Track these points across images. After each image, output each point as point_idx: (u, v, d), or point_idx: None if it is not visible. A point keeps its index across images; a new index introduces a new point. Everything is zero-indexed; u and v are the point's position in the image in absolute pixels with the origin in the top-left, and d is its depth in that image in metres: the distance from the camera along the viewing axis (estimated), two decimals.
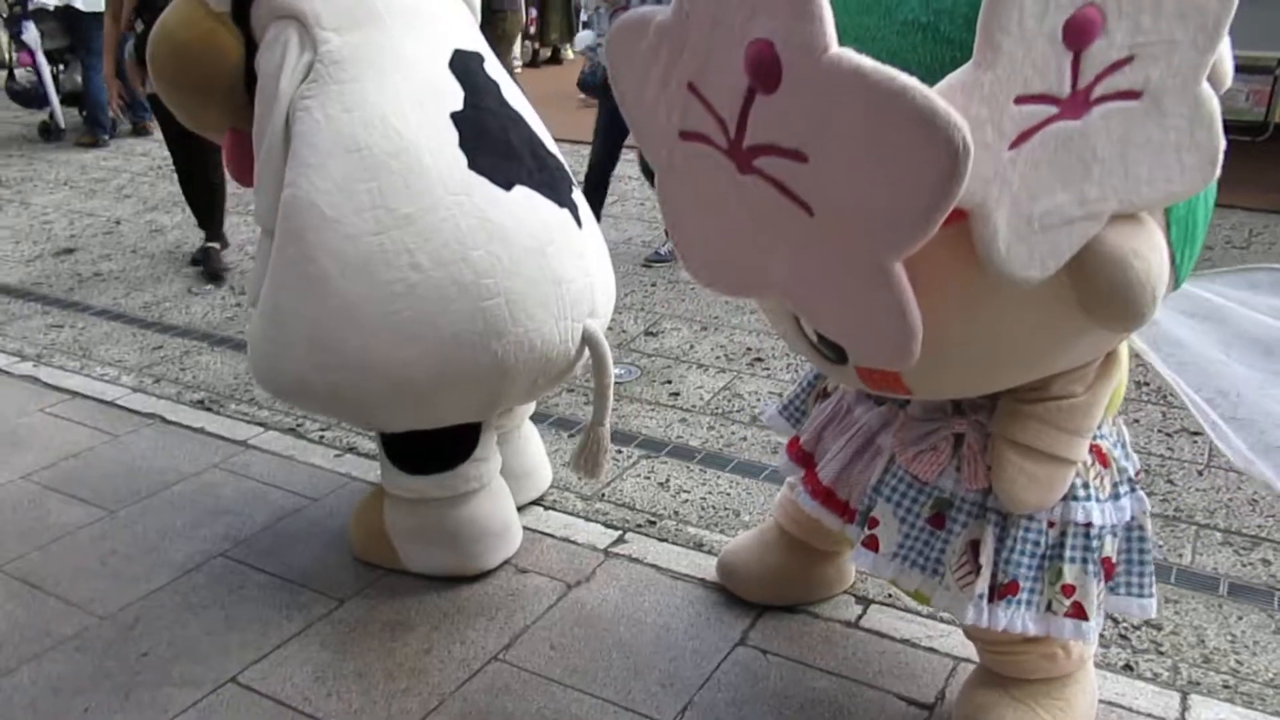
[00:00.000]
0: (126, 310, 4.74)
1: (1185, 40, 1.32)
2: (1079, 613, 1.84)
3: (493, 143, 2.35)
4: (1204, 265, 1.94)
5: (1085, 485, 1.82)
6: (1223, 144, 1.40)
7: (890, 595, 2.53)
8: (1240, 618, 2.47)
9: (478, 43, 2.55)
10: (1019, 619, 1.83)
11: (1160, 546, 2.76)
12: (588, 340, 2.46)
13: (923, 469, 1.87)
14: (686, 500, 3.06)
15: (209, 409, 3.70)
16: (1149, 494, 2.98)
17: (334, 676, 2.32)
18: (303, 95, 2.30)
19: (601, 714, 2.19)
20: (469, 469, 2.55)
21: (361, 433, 3.44)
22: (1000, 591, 1.83)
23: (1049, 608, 1.84)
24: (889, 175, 1.25)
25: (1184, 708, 2.17)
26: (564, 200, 2.45)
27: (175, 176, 5.26)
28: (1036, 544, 1.82)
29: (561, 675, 2.31)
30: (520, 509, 2.84)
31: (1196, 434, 3.32)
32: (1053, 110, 1.30)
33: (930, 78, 1.21)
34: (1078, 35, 1.26)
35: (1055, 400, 1.75)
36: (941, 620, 2.45)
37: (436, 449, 2.51)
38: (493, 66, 2.52)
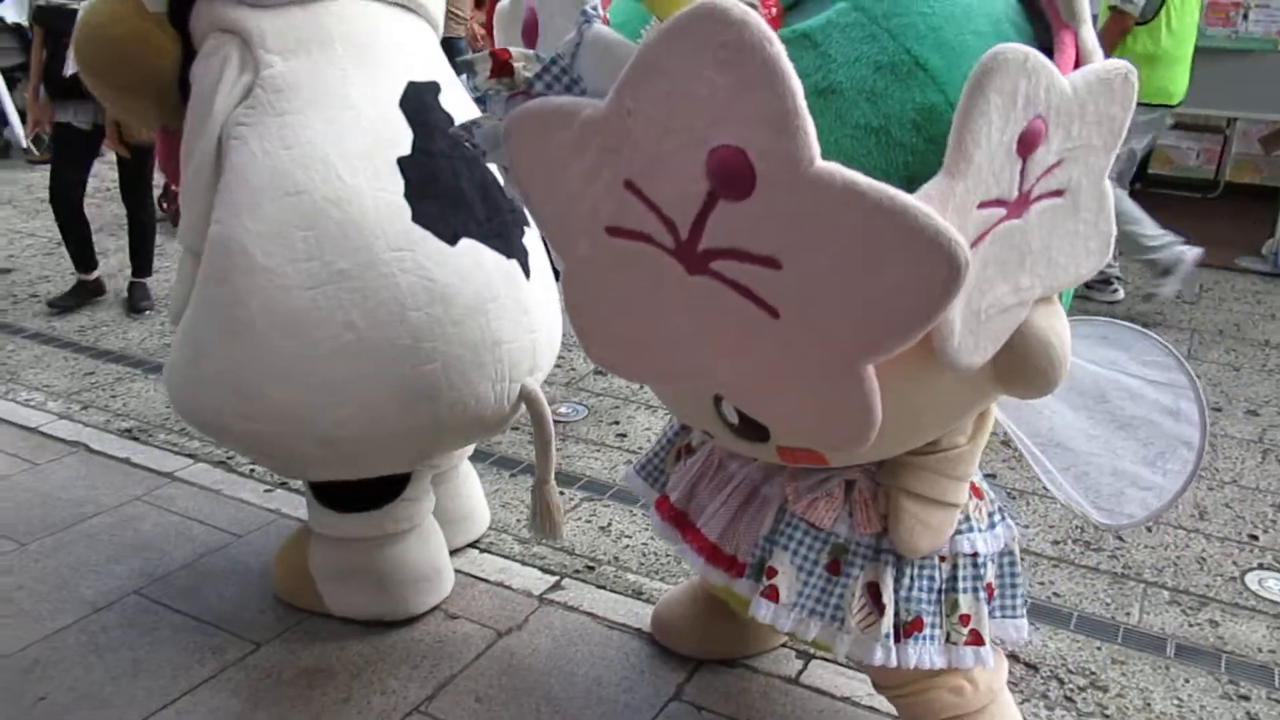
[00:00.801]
0: (61, 334, 4.59)
1: (1099, 144, 1.45)
2: (976, 639, 1.89)
3: (441, 190, 2.21)
4: (1154, 318, 1.99)
5: (967, 518, 1.90)
6: (1115, 230, 1.57)
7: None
8: (1187, 680, 2.41)
9: (436, 68, 2.38)
10: (927, 654, 1.86)
11: (1109, 604, 2.71)
12: (526, 399, 2.35)
13: (819, 516, 1.88)
14: (628, 545, 2.96)
15: (136, 439, 3.55)
16: (1098, 550, 2.95)
17: None
18: (239, 121, 2.13)
19: None
20: (399, 509, 2.44)
21: None
22: (906, 630, 1.86)
23: (949, 639, 1.88)
24: (878, 286, 1.26)
25: None
26: (513, 249, 2.32)
27: (120, 198, 5.11)
28: (932, 579, 1.88)
29: None
30: (455, 552, 2.74)
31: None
32: (1002, 212, 1.36)
33: (887, 181, 1.22)
34: (1027, 144, 1.34)
35: (944, 452, 1.83)
36: None
37: (365, 488, 2.40)
38: (450, 96, 2.35)
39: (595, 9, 1.44)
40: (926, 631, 1.86)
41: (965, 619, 1.88)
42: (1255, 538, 3.04)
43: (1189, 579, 2.83)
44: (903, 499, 1.84)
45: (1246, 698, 2.36)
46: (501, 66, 1.49)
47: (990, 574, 1.93)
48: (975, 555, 1.90)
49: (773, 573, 1.90)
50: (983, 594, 1.91)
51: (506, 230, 2.32)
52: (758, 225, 1.28)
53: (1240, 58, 5.68)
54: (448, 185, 2.22)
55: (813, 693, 2.33)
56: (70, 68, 4.20)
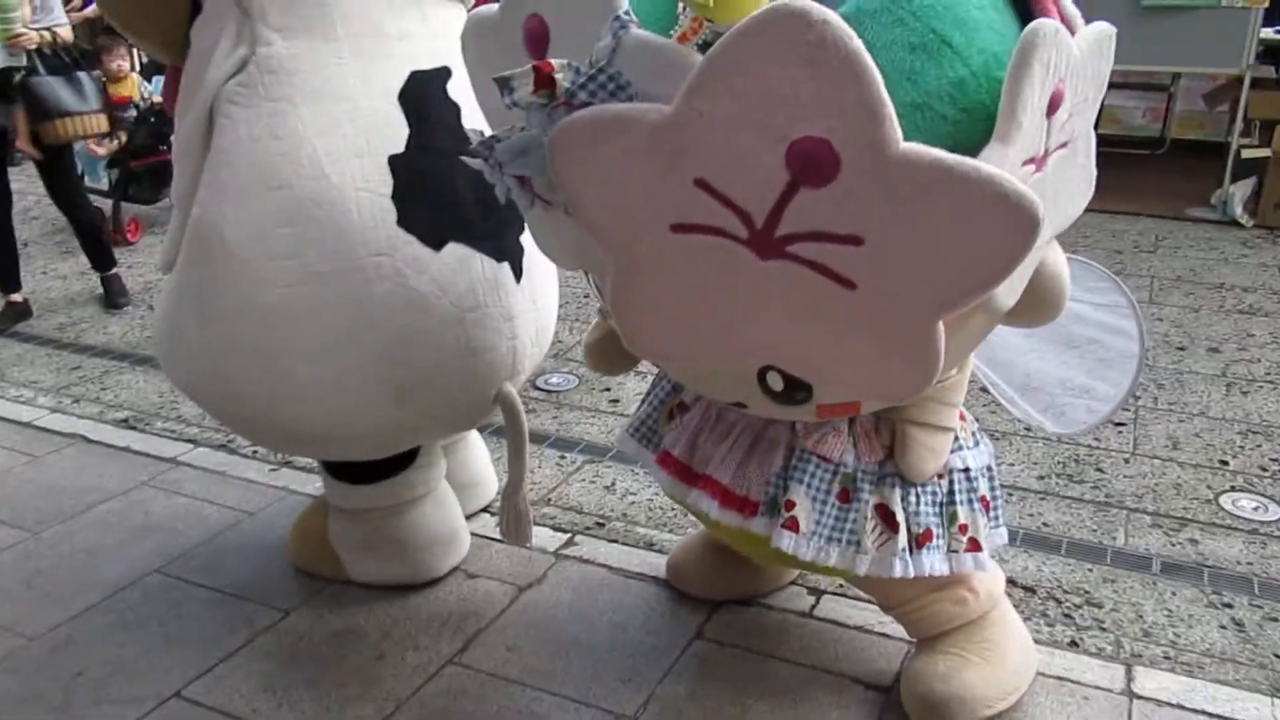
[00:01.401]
0: (40, 332, 4.56)
1: (1092, 97, 1.65)
2: (975, 547, 2.05)
3: (433, 190, 2.18)
4: (1115, 267, 2.19)
5: (957, 437, 2.07)
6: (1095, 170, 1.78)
7: (841, 585, 2.56)
8: (1174, 594, 2.56)
9: (449, 53, 2.23)
10: (937, 563, 2.02)
11: (1095, 530, 2.85)
12: (502, 404, 2.36)
13: (829, 449, 2.01)
14: (633, 502, 3.05)
15: (134, 427, 3.57)
16: (1081, 482, 3.10)
17: (283, 687, 2.25)
18: (231, 98, 2.12)
19: (563, 712, 2.17)
20: (413, 475, 2.50)
21: None
22: (919, 541, 2.01)
23: (950, 548, 2.04)
24: (961, 249, 1.38)
25: (1129, 678, 2.24)
26: (505, 250, 2.30)
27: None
28: (935, 494, 2.04)
29: (520, 676, 2.28)
30: (467, 518, 2.81)
31: (1120, 425, 3.44)
32: (1033, 168, 1.52)
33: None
34: (1053, 106, 1.49)
35: (943, 381, 1.96)
36: None
37: (378, 460, 2.46)
38: (458, 86, 2.24)
39: (629, 14, 1.48)
40: (935, 541, 2.02)
41: (963, 529, 2.04)
42: (1225, 463, 3.21)
43: (1167, 503, 2.98)
44: (909, 429, 1.98)
45: (1230, 605, 2.51)
46: (544, 80, 1.48)
47: (984, 488, 2.10)
48: (967, 470, 2.07)
49: (791, 505, 2.01)
50: (978, 505, 2.07)
51: (502, 230, 2.29)
52: (839, 208, 1.37)
53: (1182, 14, 5.86)
54: (441, 185, 2.19)
55: (827, 624, 2.44)
56: None
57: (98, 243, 4.92)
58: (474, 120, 2.20)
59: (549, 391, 3.83)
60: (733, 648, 2.36)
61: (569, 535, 2.83)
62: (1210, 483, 3.09)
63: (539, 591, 2.59)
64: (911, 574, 1.99)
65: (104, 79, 5.26)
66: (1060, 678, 2.24)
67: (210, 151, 2.15)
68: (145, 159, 5.91)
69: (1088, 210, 1.83)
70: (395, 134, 2.16)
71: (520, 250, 2.35)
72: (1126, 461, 3.22)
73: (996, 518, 2.13)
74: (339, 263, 2.08)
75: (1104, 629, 2.43)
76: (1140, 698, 2.18)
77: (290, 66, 2.13)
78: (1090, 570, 2.67)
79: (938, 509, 2.03)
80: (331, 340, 2.12)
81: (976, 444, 2.12)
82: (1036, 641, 2.36)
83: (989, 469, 2.13)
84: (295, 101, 2.11)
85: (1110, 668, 2.28)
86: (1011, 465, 3.19)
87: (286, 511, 2.95)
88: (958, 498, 2.05)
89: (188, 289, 2.20)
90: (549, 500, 3.05)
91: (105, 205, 5.71)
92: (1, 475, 3.22)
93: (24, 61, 4.51)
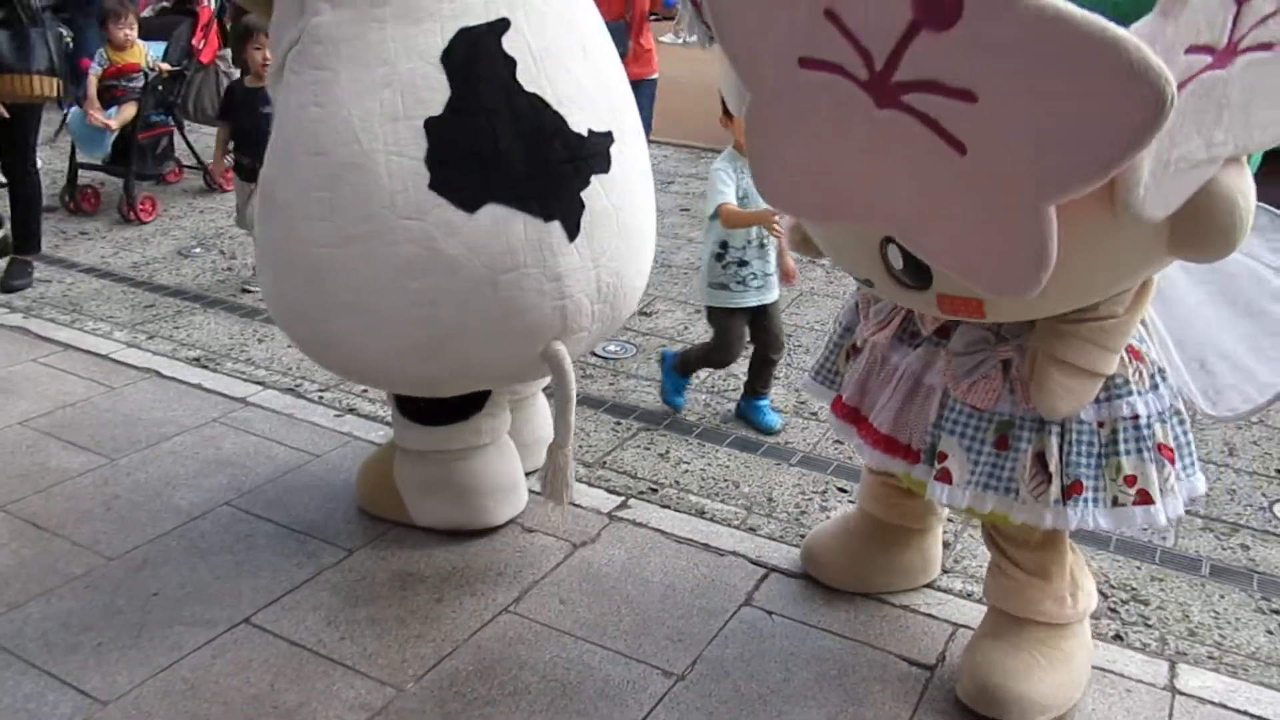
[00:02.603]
0: (115, 269, 4.70)
1: None
2: (1145, 499, 1.94)
3: (470, 152, 2.17)
4: None
5: (1126, 381, 1.94)
6: None
7: None
8: (1222, 596, 2.57)
9: (511, 3, 2.22)
10: (1089, 516, 1.94)
11: (1144, 531, 2.85)
12: (549, 362, 2.36)
13: (979, 398, 1.97)
14: (686, 471, 3.11)
15: (205, 366, 3.69)
16: None
17: (346, 621, 2.35)
18: (290, 66, 2.24)
19: (613, 665, 2.24)
20: (480, 422, 2.59)
21: (361, 394, 3.46)
22: (1066, 493, 1.94)
23: (1116, 501, 1.95)
24: (1076, 122, 1.28)
25: (1172, 675, 2.26)
26: (557, 209, 2.24)
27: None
28: (1090, 444, 1.94)
29: (572, 628, 2.35)
30: (526, 476, 2.88)
31: (1249, 384, 3.41)
32: (1208, 60, 1.38)
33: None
34: None
35: (1099, 320, 1.85)
36: (938, 589, 2.53)
37: (448, 402, 2.54)
38: (517, 37, 2.22)
39: None
40: (1086, 494, 1.94)
41: (1130, 480, 1.94)
42: None
43: (1220, 508, 2.98)
44: (1049, 364, 1.87)
45: (1279, 611, 2.52)
46: None
47: (1163, 434, 1.97)
48: (1136, 418, 1.95)
49: (943, 457, 2.02)
50: (1150, 454, 1.95)
51: (556, 187, 2.25)
52: (957, 57, 1.31)
53: None
54: (482, 145, 2.17)
55: (874, 601, 2.48)
56: None
57: (32, 221, 4.54)
58: (531, 74, 2.21)
59: (605, 358, 3.89)
60: (781, 616, 2.42)
61: (622, 499, 2.90)
62: (1265, 490, 3.08)
63: (592, 550, 2.66)
64: (1060, 526, 1.95)
65: (106, 45, 5.23)
66: (1103, 670, 2.27)
67: (273, 118, 2.34)
68: (150, 131, 5.64)
69: None
70: (434, 96, 2.15)
71: (577, 208, 2.27)
72: None
73: (1190, 464, 2.02)
74: (369, 226, 2.16)
75: (1149, 625, 2.46)
76: (1183, 694, 2.21)
77: (336, 35, 2.18)
78: (1139, 568, 2.69)
79: (1093, 460, 1.95)
80: (362, 297, 2.22)
81: (1154, 388, 1.97)
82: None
83: (1170, 412, 1.99)
84: (337, 69, 2.18)
85: (1154, 663, 2.30)
86: None
87: (351, 456, 3.05)
88: (1122, 447, 1.94)
89: (260, 239, 2.43)
90: (604, 463, 3.12)
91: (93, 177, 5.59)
92: (81, 404, 3.35)
93: None
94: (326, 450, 3.11)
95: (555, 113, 2.23)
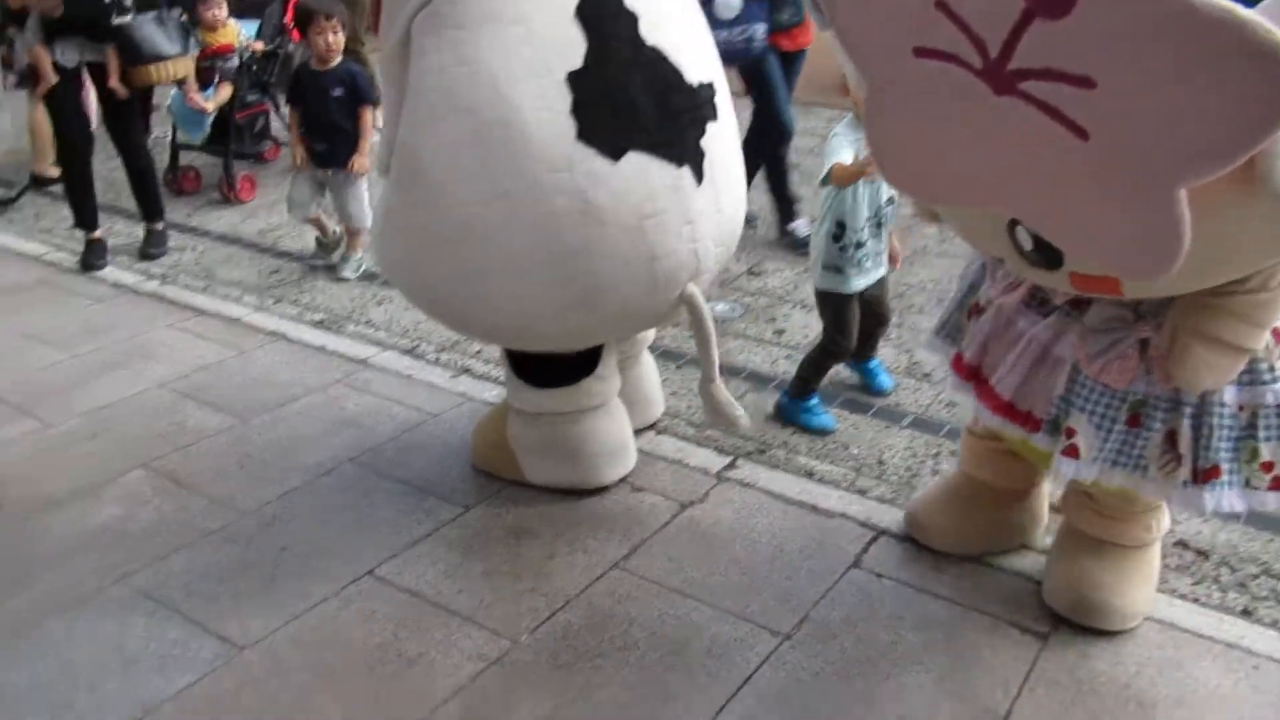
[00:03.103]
0: (243, 235, 4.91)
1: None
2: (1277, 485, 1.95)
3: (611, 102, 2.24)
4: None
5: (1271, 368, 1.90)
6: None
7: None
8: None
9: None
10: (1225, 499, 1.94)
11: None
12: (686, 304, 2.46)
13: (1114, 378, 1.94)
14: (795, 431, 3.11)
15: (328, 329, 3.84)
16: None
17: (463, 575, 2.44)
18: (422, 30, 2.26)
19: (721, 623, 2.27)
20: (591, 385, 2.63)
21: (476, 355, 3.55)
22: (1203, 476, 1.93)
23: (1248, 484, 1.94)
24: (1201, 106, 1.25)
25: None
26: (684, 155, 2.33)
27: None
28: (1231, 429, 1.92)
29: (680, 586, 2.39)
30: (635, 434, 2.92)
31: None
32: None
33: None
34: None
35: (1249, 294, 1.78)
36: None
37: (561, 365, 2.59)
38: None
39: None
40: (1224, 479, 1.93)
41: (1267, 466, 1.93)
42: None
43: None
44: (1193, 339, 1.83)
45: None
46: None
47: None
48: (1278, 406, 1.91)
49: (1071, 432, 2.01)
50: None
51: (681, 135, 2.34)
52: (1074, 43, 1.29)
53: None
54: (619, 96, 2.25)
55: (985, 566, 2.45)
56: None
57: (149, 190, 4.68)
58: (650, 29, 2.29)
59: (715, 320, 3.88)
60: (889, 579, 2.41)
61: (731, 459, 2.92)
62: None
63: (700, 509, 2.69)
64: (1190, 508, 1.98)
65: (197, 27, 5.15)
66: (1229, 644, 2.19)
67: (408, 81, 2.31)
68: (246, 111, 5.58)
69: None
70: (573, 51, 2.22)
71: (701, 154, 2.37)
72: None
73: None
74: (521, 181, 2.20)
75: None
76: None
77: None
78: (1271, 541, 2.57)
79: (1232, 444, 1.93)
80: (517, 254, 2.26)
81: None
82: (1205, 606, 2.33)
83: None
84: (474, 28, 2.22)
85: None
86: None
87: (466, 415, 3.15)
88: (1261, 433, 1.92)
89: (393, 204, 2.41)
90: (724, 432, 3.13)
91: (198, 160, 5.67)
92: (214, 366, 3.53)
93: None
94: (443, 410, 3.21)
95: (673, 64, 2.33)
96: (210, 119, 5.38)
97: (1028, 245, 1.74)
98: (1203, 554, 2.53)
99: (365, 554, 2.52)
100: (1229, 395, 1.90)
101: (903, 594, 2.36)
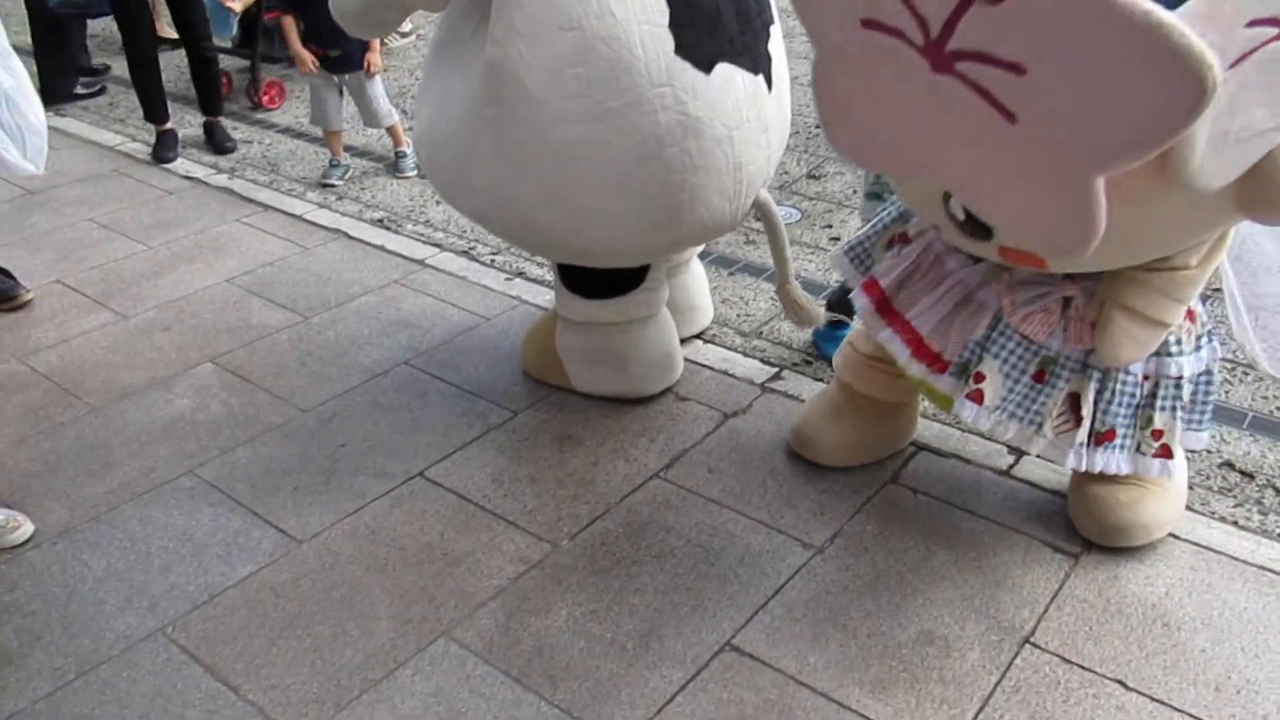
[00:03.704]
0: (307, 130, 4.96)
1: None
2: (1166, 453, 2.08)
3: (701, 14, 2.25)
4: None
5: (1178, 341, 2.01)
6: None
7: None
8: None
9: None
10: (1114, 461, 2.06)
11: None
12: (761, 210, 2.52)
13: (1035, 330, 2.01)
14: None
15: (388, 228, 3.90)
16: None
17: (509, 479, 2.53)
18: None
19: (754, 534, 2.34)
20: (640, 296, 2.66)
21: (530, 259, 3.59)
22: (1098, 439, 2.05)
23: (1139, 449, 2.07)
24: (1120, 100, 1.31)
25: None
26: (759, 62, 2.38)
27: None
28: (1133, 396, 2.03)
29: (718, 496, 2.46)
30: (682, 342, 2.95)
31: None
32: (1273, 32, 1.37)
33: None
34: None
35: (1171, 271, 1.88)
36: None
37: (610, 277, 2.62)
38: None
39: None
40: (1118, 442, 2.04)
41: (1158, 434, 2.05)
42: None
43: None
44: (1117, 312, 1.94)
45: None
46: None
47: (1188, 393, 2.06)
48: (1179, 378, 2.02)
49: (980, 378, 2.07)
50: (1179, 412, 2.05)
51: (756, 41, 2.37)
52: (1007, 30, 1.35)
53: None
54: (706, 8, 2.26)
55: (1024, 484, 2.46)
56: None
57: (214, 85, 4.73)
58: None
59: None
60: (924, 495, 2.45)
61: (776, 370, 2.94)
62: None
63: (743, 420, 2.73)
64: (1083, 468, 2.07)
65: None
66: (1263, 567, 2.20)
67: None
68: (274, 12, 5.01)
69: None
70: None
71: (770, 59, 2.43)
72: None
73: (1199, 421, 2.12)
74: (627, 98, 2.20)
75: None
76: None
77: None
78: None
79: (1131, 410, 2.03)
80: (622, 171, 2.27)
81: (1197, 349, 2.05)
82: (1244, 529, 2.32)
83: (1205, 375, 2.07)
84: None
85: None
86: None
87: (519, 319, 3.21)
88: (1159, 403, 2.04)
89: (480, 125, 2.33)
90: (760, 333, 3.15)
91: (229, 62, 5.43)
92: (280, 263, 3.63)
93: None
94: (496, 314, 3.28)
95: None
96: (236, 19, 5.23)
97: (960, 216, 1.80)
98: (1248, 475, 2.51)
99: (417, 455, 2.62)
100: (1136, 365, 2.00)
101: (938, 510, 2.40)
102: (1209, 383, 2.11)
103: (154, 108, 4.63)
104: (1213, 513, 2.37)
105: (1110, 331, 1.94)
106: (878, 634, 2.08)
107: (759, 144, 2.40)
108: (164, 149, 4.58)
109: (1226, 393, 2.80)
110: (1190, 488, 2.43)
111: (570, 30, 2.17)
